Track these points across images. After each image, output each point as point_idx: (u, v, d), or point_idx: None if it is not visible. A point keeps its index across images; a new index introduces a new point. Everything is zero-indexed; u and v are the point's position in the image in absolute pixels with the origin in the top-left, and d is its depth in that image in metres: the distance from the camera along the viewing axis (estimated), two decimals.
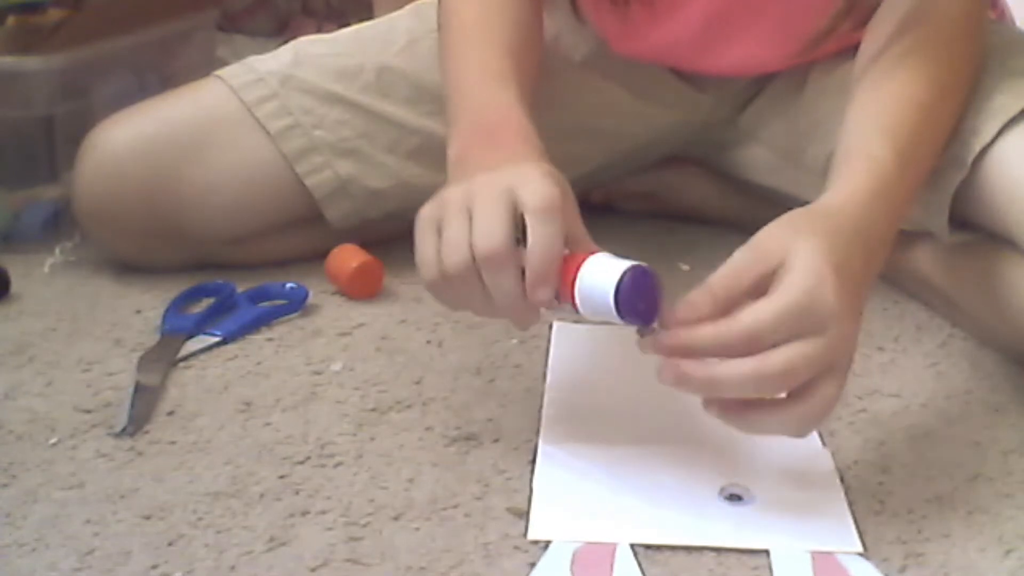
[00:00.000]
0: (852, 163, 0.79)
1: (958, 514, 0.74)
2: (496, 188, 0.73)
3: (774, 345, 0.67)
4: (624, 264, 0.71)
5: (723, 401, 0.70)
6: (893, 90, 0.84)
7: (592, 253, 0.73)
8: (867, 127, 0.82)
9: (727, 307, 0.69)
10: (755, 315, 0.68)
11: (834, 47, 1.01)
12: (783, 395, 0.69)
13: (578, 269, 0.72)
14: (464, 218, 0.73)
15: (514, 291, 0.72)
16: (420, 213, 0.76)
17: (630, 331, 0.99)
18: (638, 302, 0.70)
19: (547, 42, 1.10)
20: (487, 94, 0.87)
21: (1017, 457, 0.81)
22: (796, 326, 0.68)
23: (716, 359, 0.69)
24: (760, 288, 0.69)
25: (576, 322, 0.96)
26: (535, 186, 0.73)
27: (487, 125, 0.84)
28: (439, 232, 0.74)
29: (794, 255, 0.69)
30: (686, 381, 0.69)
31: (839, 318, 0.68)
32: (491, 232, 0.72)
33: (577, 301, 0.72)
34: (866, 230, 0.75)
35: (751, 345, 0.68)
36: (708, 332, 0.69)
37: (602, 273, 0.71)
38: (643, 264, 0.71)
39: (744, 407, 0.70)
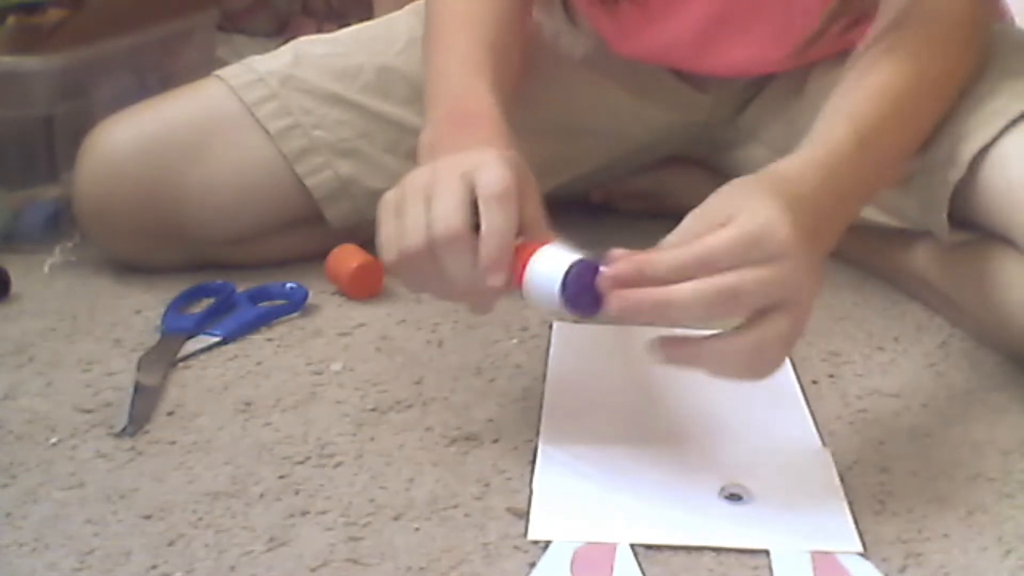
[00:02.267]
0: (810, 140, 0.80)
1: (958, 514, 0.74)
2: (454, 172, 0.75)
3: (728, 269, 0.68)
4: (572, 257, 0.72)
5: (674, 340, 0.70)
6: (870, 79, 0.84)
7: (545, 243, 0.74)
8: (833, 111, 0.83)
9: None
10: (707, 241, 0.69)
11: (834, 48, 1.01)
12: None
13: (529, 257, 0.73)
14: (422, 201, 0.74)
15: (469, 276, 0.73)
16: (383, 196, 0.77)
17: (630, 331, 0.99)
18: (583, 295, 0.71)
19: (547, 42, 1.10)
20: (463, 84, 0.88)
21: (1017, 457, 0.81)
22: (747, 253, 0.68)
23: None
24: None
25: (576, 322, 0.96)
26: (491, 172, 0.74)
27: (459, 112, 0.85)
28: (399, 214, 0.75)
29: (745, 206, 0.71)
30: (636, 306, 0.69)
31: (793, 252, 0.69)
32: (446, 216, 0.73)
33: (524, 290, 0.73)
34: (810, 199, 0.74)
35: (703, 268, 0.68)
36: (661, 257, 0.69)
37: (551, 264, 0.72)
38: (591, 258, 0.72)
39: (696, 343, 0.70)
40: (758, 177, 0.75)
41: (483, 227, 0.73)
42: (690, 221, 0.72)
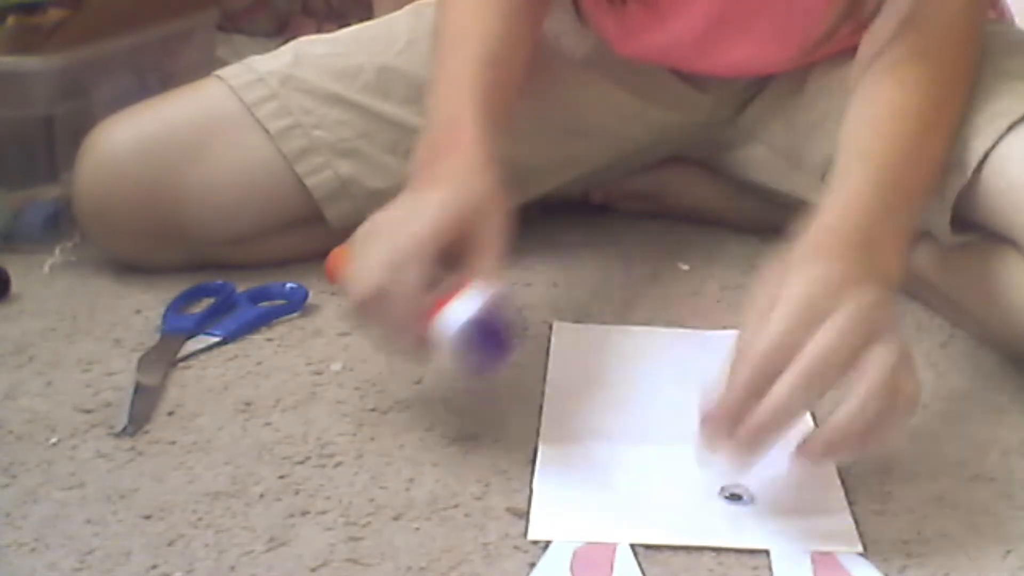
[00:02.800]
0: (837, 177, 0.80)
1: (958, 514, 0.74)
2: (390, 227, 0.78)
3: (799, 343, 0.68)
4: (468, 313, 0.74)
5: (810, 446, 0.69)
6: (884, 100, 0.84)
7: (457, 293, 0.75)
8: (854, 142, 0.83)
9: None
10: (763, 335, 0.69)
11: (834, 48, 1.01)
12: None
13: (438, 311, 0.75)
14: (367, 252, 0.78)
15: (389, 331, 0.78)
16: (357, 231, 0.80)
17: (630, 331, 0.99)
18: (480, 352, 0.75)
19: (548, 42, 1.10)
20: (450, 108, 0.89)
21: (1017, 457, 0.81)
22: (808, 320, 0.68)
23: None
24: None
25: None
26: (412, 227, 0.77)
27: (441, 139, 0.87)
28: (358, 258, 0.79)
29: (786, 283, 0.71)
30: (753, 438, 0.68)
31: (849, 292, 0.69)
32: (367, 276, 0.76)
33: (431, 346, 0.76)
34: (852, 243, 0.75)
35: (780, 354, 0.68)
36: (739, 371, 0.69)
37: (447, 324, 0.75)
38: (489, 314, 0.74)
39: (825, 436, 0.69)
40: (789, 253, 0.75)
41: (391, 289, 0.75)
42: (744, 331, 0.71)
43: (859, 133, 0.84)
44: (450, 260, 0.78)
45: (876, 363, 0.68)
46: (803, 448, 0.69)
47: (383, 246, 0.77)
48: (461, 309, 0.74)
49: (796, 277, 0.71)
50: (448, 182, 0.81)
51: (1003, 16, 1.12)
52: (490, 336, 0.75)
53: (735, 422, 0.68)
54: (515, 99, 0.94)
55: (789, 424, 0.68)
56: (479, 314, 0.74)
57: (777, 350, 0.68)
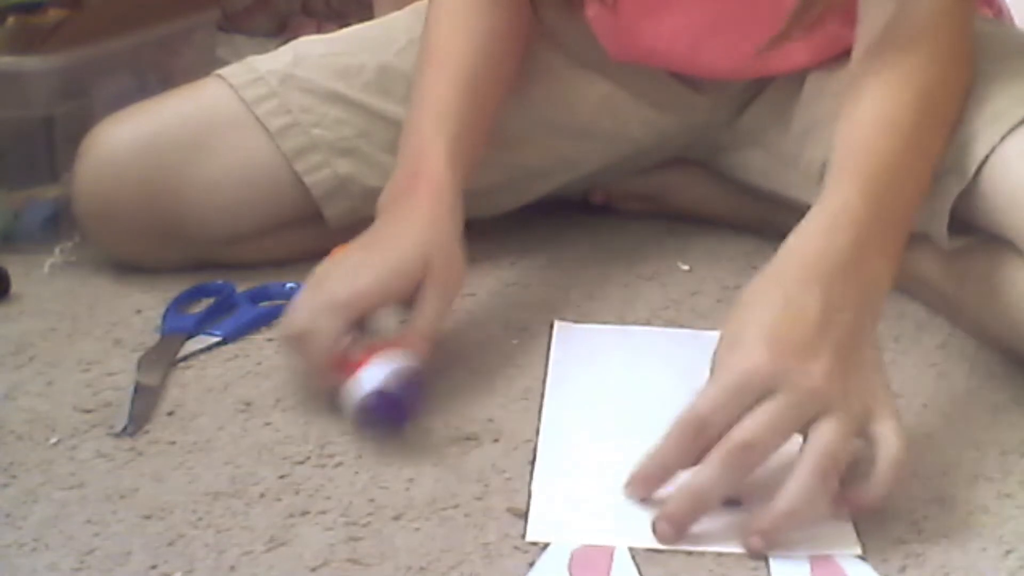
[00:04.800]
0: (825, 188, 0.80)
1: (958, 514, 0.74)
2: (339, 274, 0.85)
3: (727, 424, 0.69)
4: (367, 387, 0.79)
5: (754, 530, 0.69)
6: (872, 103, 0.84)
7: (373, 356, 0.80)
8: (843, 151, 0.82)
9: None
10: (694, 403, 0.70)
11: (832, 51, 1.01)
12: None
13: (353, 371, 0.80)
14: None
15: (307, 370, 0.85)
16: (315, 269, 0.87)
17: (630, 331, 0.99)
18: (372, 420, 0.80)
19: (547, 42, 1.10)
20: (422, 140, 0.93)
21: (1017, 457, 0.81)
22: (737, 404, 0.69)
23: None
24: None
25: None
26: (350, 283, 0.83)
27: (410, 174, 0.91)
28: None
29: (723, 345, 0.73)
30: (673, 518, 0.70)
31: (781, 371, 0.69)
32: (294, 318, 0.84)
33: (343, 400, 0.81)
34: (824, 264, 0.75)
35: (705, 430, 0.69)
36: (663, 445, 0.71)
37: (349, 390, 0.80)
38: (395, 388, 0.79)
39: (762, 518, 0.69)
40: (761, 277, 0.76)
41: (309, 335, 0.82)
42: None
43: (848, 140, 0.83)
44: (409, 302, 0.85)
45: (816, 445, 0.69)
46: (747, 542, 0.70)
47: (320, 292, 0.84)
48: (366, 379, 0.79)
49: (754, 325, 0.72)
50: (404, 234, 0.86)
51: (1002, 16, 1.11)
52: (390, 407, 0.80)
53: (661, 480, 0.72)
54: (494, 118, 0.98)
55: (710, 507, 0.70)
56: (380, 386, 0.79)
57: (708, 423, 0.70)
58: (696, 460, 0.70)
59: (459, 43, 0.97)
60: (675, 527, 0.70)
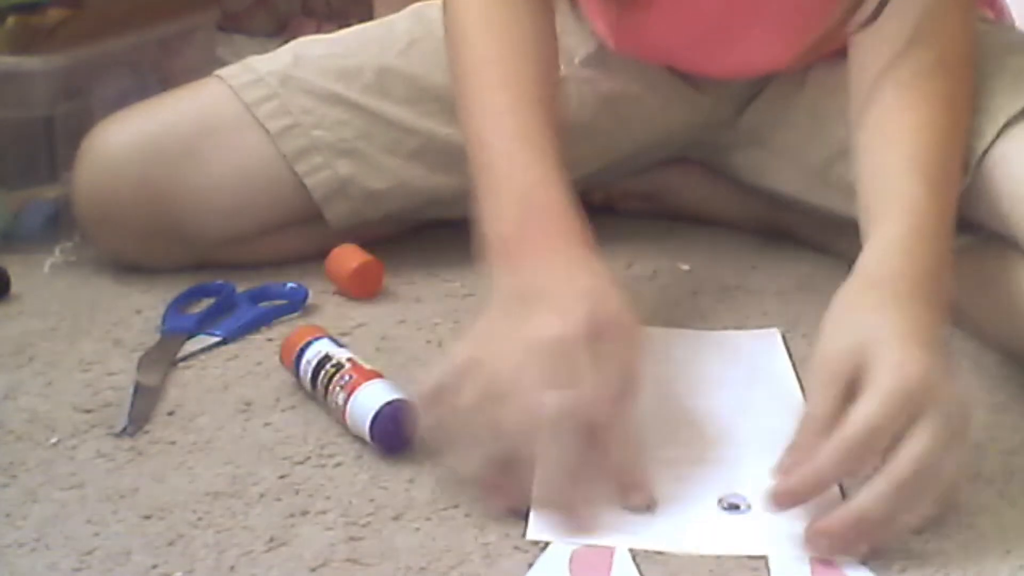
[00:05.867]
0: (889, 206, 0.80)
1: (958, 514, 0.74)
2: (523, 375, 0.71)
3: (893, 437, 0.68)
4: (385, 398, 0.79)
5: (828, 526, 0.68)
6: (912, 117, 0.84)
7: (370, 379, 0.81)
8: (894, 163, 0.82)
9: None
10: (861, 413, 0.68)
11: (833, 48, 1.01)
12: None
13: (354, 391, 0.80)
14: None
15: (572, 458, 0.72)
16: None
17: None
18: (388, 435, 0.79)
19: None
20: (526, 169, 0.82)
21: (1017, 457, 0.80)
22: (904, 407, 0.68)
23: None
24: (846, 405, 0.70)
25: None
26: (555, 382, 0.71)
27: (531, 208, 0.81)
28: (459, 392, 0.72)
29: (870, 353, 0.70)
30: (840, 537, 0.68)
31: (937, 387, 0.69)
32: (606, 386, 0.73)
33: (347, 419, 0.80)
34: (921, 277, 0.75)
35: (871, 445, 0.68)
36: (826, 450, 0.68)
37: (367, 403, 0.79)
38: (398, 400, 0.79)
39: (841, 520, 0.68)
40: (858, 296, 0.75)
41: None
42: (817, 385, 0.72)
43: (896, 158, 0.82)
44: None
45: (912, 449, 0.67)
46: (821, 529, 0.69)
47: (523, 395, 0.70)
48: (379, 391, 0.80)
49: (884, 349, 0.70)
50: (565, 301, 0.75)
51: (1003, 16, 1.11)
52: (398, 423, 0.79)
53: (814, 495, 0.69)
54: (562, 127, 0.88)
55: (873, 537, 0.68)
56: (396, 396, 0.79)
57: (878, 436, 0.68)
58: (853, 472, 0.69)
59: (512, 57, 0.88)
60: (833, 547, 0.68)
